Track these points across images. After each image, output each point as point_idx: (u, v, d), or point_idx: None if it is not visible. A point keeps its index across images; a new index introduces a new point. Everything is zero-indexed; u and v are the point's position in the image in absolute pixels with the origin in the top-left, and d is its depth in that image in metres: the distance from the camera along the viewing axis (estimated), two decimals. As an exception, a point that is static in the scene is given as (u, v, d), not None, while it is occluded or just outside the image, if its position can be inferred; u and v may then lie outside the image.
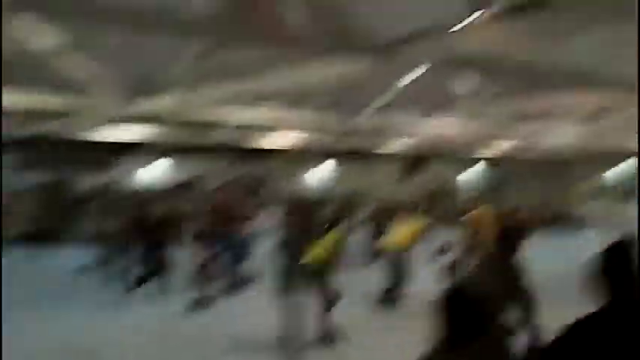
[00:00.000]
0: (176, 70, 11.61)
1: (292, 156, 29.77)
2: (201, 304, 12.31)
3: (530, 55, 12.45)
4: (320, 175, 31.78)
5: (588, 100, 14.40)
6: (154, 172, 27.25)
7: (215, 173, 27.98)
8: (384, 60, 8.82)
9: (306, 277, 9.30)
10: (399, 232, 12.22)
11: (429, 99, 16.64)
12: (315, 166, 31.61)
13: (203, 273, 12.89)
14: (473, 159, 34.76)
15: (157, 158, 26.92)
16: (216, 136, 21.58)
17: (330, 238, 9.78)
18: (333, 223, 10.11)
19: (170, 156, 26.89)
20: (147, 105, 13.97)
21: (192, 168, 27.75)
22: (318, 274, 9.52)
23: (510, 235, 6.16)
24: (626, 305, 3.24)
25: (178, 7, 9.06)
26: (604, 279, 3.37)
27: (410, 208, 14.58)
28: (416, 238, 12.16)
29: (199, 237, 13.28)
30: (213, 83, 12.30)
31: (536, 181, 34.79)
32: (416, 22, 11.02)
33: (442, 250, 12.67)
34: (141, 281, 12.93)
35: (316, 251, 9.53)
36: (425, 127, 19.57)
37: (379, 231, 17.63)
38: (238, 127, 19.75)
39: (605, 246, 3.55)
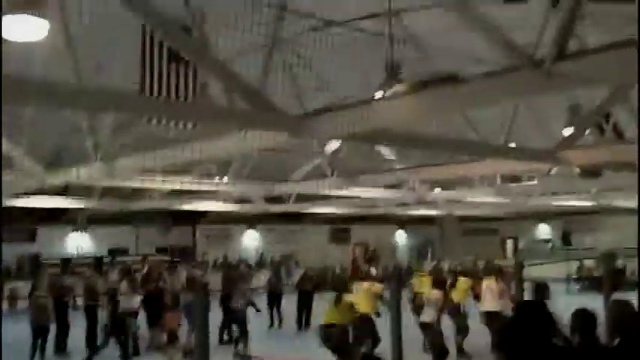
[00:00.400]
0: (97, 139, 11.60)
1: (220, 222, 29.76)
2: None
3: (444, 126, 13.02)
4: (248, 241, 31.80)
5: (501, 167, 14.97)
6: (78, 242, 26.80)
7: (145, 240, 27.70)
8: (302, 131, 9.02)
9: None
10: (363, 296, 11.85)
11: (352, 168, 17.02)
12: (243, 233, 31.66)
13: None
14: (400, 222, 35.50)
15: (81, 228, 26.48)
16: (141, 205, 21.44)
17: None
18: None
19: (95, 225, 26.54)
20: (67, 175, 13.81)
21: (122, 237, 27.47)
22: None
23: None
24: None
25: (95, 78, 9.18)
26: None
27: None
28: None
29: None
30: (136, 153, 12.29)
31: (466, 240, 35.70)
32: (334, 93, 11.44)
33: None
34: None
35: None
36: (350, 194, 19.90)
37: (307, 298, 17.65)
38: (168, 194, 19.71)
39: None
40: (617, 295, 8.26)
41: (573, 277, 24.16)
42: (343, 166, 16.94)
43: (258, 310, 14.43)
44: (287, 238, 32.18)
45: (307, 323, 16.97)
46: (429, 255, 35.54)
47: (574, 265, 25.51)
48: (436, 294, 11.62)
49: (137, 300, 13.72)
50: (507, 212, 31.08)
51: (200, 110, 7.99)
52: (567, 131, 13.32)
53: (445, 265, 18.97)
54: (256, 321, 15.71)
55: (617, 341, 4.41)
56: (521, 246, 35.56)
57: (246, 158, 15.97)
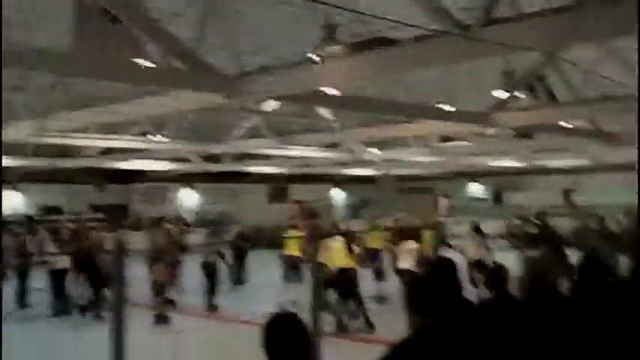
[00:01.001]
0: (29, 99, 11.37)
1: (157, 181, 29.51)
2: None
3: (379, 88, 13.18)
4: (186, 200, 31.65)
5: (434, 128, 15.27)
6: (16, 200, 26.22)
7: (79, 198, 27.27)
8: (237, 92, 9.03)
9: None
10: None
11: (290, 128, 17.10)
12: (180, 192, 31.47)
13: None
14: (338, 181, 35.88)
15: (13, 186, 25.86)
16: (75, 162, 21.09)
17: None
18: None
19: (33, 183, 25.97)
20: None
21: (56, 195, 26.97)
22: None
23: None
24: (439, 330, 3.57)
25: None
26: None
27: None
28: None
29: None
30: (73, 111, 12.09)
31: (402, 199, 36.36)
32: (272, 55, 11.43)
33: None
34: None
35: None
36: (288, 154, 19.98)
37: (241, 256, 17.76)
38: (102, 152, 19.43)
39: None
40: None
41: (503, 234, 24.93)
42: (280, 126, 17.00)
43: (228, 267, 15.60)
44: (225, 197, 32.13)
45: (240, 280, 17.12)
46: (366, 213, 36.14)
47: (505, 223, 26.30)
48: (412, 244, 12.51)
49: (65, 259, 13.65)
50: (442, 171, 31.77)
51: (133, 70, 7.90)
52: (501, 94, 13.66)
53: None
54: (194, 279, 15.81)
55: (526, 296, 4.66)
56: (455, 204, 36.40)
57: (182, 117, 15.85)
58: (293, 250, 14.01)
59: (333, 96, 10.61)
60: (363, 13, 9.50)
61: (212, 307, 13.89)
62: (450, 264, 4.56)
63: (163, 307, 12.89)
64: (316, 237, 10.56)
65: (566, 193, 31.35)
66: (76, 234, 15.13)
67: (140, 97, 10.04)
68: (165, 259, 13.82)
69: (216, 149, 18.64)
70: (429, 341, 3.44)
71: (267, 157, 22.38)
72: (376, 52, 8.15)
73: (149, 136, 16.75)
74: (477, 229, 14.00)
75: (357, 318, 11.55)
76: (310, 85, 9.41)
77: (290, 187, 33.87)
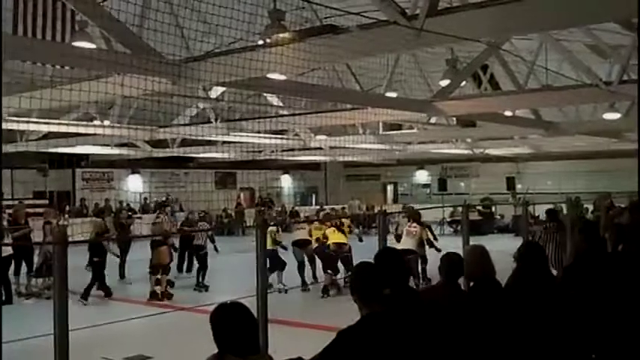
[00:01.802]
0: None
1: (102, 166, 29.07)
2: None
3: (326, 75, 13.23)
4: (131, 185, 31.23)
5: (381, 116, 15.41)
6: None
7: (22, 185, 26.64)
8: (183, 77, 8.96)
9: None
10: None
11: (237, 114, 17.03)
12: (126, 177, 31.06)
13: None
14: (285, 167, 35.89)
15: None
16: (17, 146, 20.58)
17: None
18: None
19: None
20: None
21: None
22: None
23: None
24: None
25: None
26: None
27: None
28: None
29: None
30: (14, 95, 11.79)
31: (349, 185, 36.69)
32: (218, 40, 11.33)
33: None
34: None
35: None
36: (236, 140, 19.89)
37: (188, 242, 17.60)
38: (45, 136, 18.99)
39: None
40: (480, 239, 8.86)
41: (447, 220, 25.36)
42: (227, 112, 16.91)
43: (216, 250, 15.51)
44: (172, 182, 31.85)
45: (189, 268, 16.93)
46: (314, 199, 36.35)
47: (448, 209, 26.75)
48: (415, 227, 13.56)
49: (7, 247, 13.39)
50: (388, 158, 32.09)
51: (75, 53, 7.77)
52: (444, 82, 13.88)
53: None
54: (139, 264, 15.69)
55: (472, 284, 4.81)
56: (402, 191, 36.87)
57: (128, 102, 15.62)
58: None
59: (281, 82, 10.61)
60: (309, 1, 9.55)
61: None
62: (394, 253, 4.67)
63: (165, 287, 13.59)
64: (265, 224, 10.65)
65: (509, 181, 32.05)
66: (16, 221, 14.81)
67: (84, 82, 9.88)
68: (169, 242, 14.25)
69: (162, 134, 18.43)
70: (371, 329, 3.54)
71: (214, 142, 22.25)
72: (323, 39, 8.19)
73: (94, 121, 16.48)
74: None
75: None
76: (257, 71, 9.40)
77: (238, 172, 33.75)
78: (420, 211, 14.94)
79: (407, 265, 13.44)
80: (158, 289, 13.43)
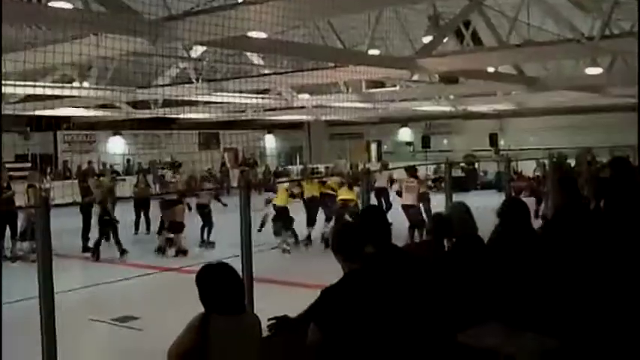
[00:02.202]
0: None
1: (84, 128, 28.83)
2: None
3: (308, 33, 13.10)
4: (114, 147, 31.04)
5: (363, 74, 15.33)
6: None
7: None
8: (161, 37, 8.84)
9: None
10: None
11: (217, 74, 16.86)
12: (108, 139, 30.83)
13: None
14: (269, 127, 35.80)
15: None
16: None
17: None
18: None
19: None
20: None
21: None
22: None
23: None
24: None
25: None
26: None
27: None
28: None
29: None
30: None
31: (333, 144, 36.69)
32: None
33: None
34: None
35: None
36: (218, 100, 19.74)
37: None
38: (25, 98, 18.72)
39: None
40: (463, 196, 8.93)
41: (431, 177, 25.43)
42: (209, 72, 16.74)
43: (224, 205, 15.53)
44: (155, 144, 31.66)
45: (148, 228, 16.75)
46: (297, 158, 36.34)
47: (432, 167, 26.82)
48: (413, 181, 14.48)
49: None
50: (372, 117, 32.04)
51: (51, 13, 7.63)
52: (427, 39, 13.80)
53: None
54: (121, 228, 15.67)
55: (454, 240, 4.86)
56: (385, 149, 36.91)
57: (108, 62, 15.41)
58: (280, 201, 14.48)
59: (262, 41, 10.50)
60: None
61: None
62: (377, 210, 4.71)
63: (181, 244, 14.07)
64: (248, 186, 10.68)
65: (492, 138, 32.14)
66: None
67: (62, 43, 9.72)
68: (184, 201, 14.73)
69: (142, 95, 18.22)
70: (352, 286, 3.58)
71: (196, 103, 22.06)
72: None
73: (73, 83, 16.26)
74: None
75: None
76: (238, 29, 9.29)
77: (221, 133, 33.60)
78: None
79: (410, 219, 14.00)
80: (170, 245, 14.07)
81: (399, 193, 14.98)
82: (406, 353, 3.56)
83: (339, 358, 3.49)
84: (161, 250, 14.14)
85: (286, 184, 15.59)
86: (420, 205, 14.41)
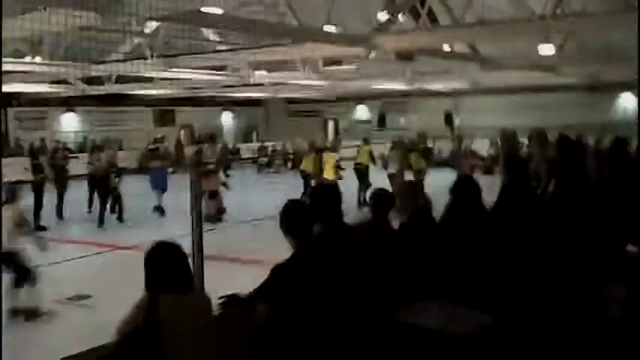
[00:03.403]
0: None
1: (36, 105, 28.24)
2: None
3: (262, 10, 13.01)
4: (67, 124, 30.48)
5: (320, 51, 15.32)
6: None
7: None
8: (112, 11, 8.69)
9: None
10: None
11: (172, 50, 16.63)
12: (60, 116, 30.25)
13: None
14: (226, 104, 35.53)
15: None
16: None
17: None
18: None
19: None
20: None
21: None
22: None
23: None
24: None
25: None
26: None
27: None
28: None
29: None
30: None
31: (290, 122, 36.57)
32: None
33: None
34: None
35: None
36: (173, 76, 19.51)
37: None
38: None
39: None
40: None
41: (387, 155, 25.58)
42: (164, 48, 16.50)
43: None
44: (109, 120, 31.17)
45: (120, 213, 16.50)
46: (254, 136, 36.20)
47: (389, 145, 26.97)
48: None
49: None
50: (329, 94, 32.03)
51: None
52: (383, 16, 13.82)
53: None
54: (74, 205, 15.49)
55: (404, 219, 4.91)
56: (342, 126, 36.95)
57: (61, 38, 15.10)
58: (307, 166, 15.98)
59: (216, 16, 10.42)
60: None
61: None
62: (330, 188, 4.72)
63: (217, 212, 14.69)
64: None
65: (447, 116, 32.38)
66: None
67: (11, 17, 9.50)
68: (218, 170, 15.44)
69: (96, 71, 17.89)
70: (301, 264, 3.62)
71: (151, 78, 21.76)
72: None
73: (24, 58, 15.88)
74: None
75: None
76: (191, 3, 9.21)
77: (177, 109, 33.20)
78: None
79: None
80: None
81: None
82: (346, 330, 3.62)
83: (286, 334, 3.53)
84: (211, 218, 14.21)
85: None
86: None
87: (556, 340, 3.81)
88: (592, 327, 3.51)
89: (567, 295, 3.72)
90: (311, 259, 3.63)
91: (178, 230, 5.57)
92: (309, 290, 3.53)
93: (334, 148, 17.96)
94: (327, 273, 3.62)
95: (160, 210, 15.29)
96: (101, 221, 14.53)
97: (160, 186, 15.61)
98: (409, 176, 14.87)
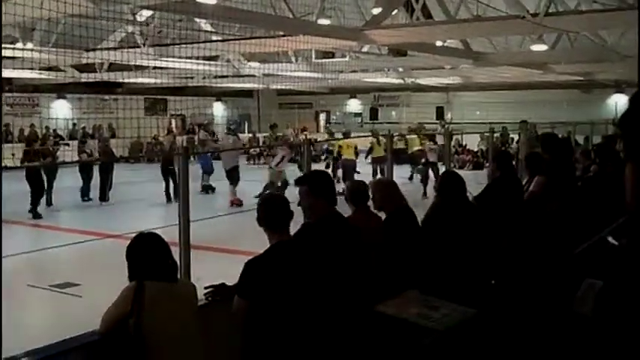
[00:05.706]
0: None
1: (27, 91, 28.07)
2: None
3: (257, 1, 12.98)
4: (58, 111, 30.30)
5: (313, 43, 15.31)
6: None
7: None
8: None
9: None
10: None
11: (166, 39, 16.59)
12: (52, 103, 30.09)
13: None
14: (218, 94, 35.41)
15: None
16: None
17: None
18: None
19: None
20: None
21: None
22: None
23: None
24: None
25: None
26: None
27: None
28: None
29: None
30: None
31: (282, 113, 36.52)
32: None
33: None
34: None
35: None
36: (166, 65, 19.43)
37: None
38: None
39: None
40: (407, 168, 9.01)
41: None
42: (157, 37, 16.44)
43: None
44: (100, 108, 31.01)
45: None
46: (246, 126, 36.12)
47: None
48: (431, 145, 17.43)
49: None
50: (321, 87, 31.98)
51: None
52: (376, 10, 13.82)
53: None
54: (68, 194, 15.46)
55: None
56: (334, 119, 36.96)
57: (52, 24, 15.01)
58: (348, 154, 17.40)
59: (209, 7, 10.41)
60: None
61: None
62: (325, 175, 4.74)
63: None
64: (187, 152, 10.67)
65: (439, 111, 32.49)
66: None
67: (3, 1, 9.43)
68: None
69: (88, 58, 17.81)
70: (276, 257, 3.63)
71: (143, 68, 21.67)
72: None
73: (16, 44, 15.78)
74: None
75: None
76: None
77: (169, 99, 33.06)
78: (353, 138, 17.34)
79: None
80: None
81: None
82: (323, 323, 3.64)
83: (262, 327, 3.55)
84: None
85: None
86: None
87: (528, 336, 3.86)
88: (563, 323, 3.56)
89: (543, 289, 3.76)
90: (286, 254, 3.64)
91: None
92: (284, 285, 3.55)
93: None
94: (302, 267, 3.64)
95: (210, 188, 17.34)
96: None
97: (208, 171, 17.54)
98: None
